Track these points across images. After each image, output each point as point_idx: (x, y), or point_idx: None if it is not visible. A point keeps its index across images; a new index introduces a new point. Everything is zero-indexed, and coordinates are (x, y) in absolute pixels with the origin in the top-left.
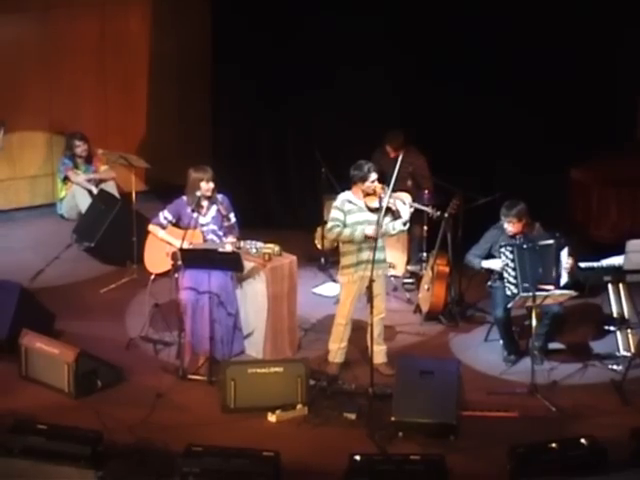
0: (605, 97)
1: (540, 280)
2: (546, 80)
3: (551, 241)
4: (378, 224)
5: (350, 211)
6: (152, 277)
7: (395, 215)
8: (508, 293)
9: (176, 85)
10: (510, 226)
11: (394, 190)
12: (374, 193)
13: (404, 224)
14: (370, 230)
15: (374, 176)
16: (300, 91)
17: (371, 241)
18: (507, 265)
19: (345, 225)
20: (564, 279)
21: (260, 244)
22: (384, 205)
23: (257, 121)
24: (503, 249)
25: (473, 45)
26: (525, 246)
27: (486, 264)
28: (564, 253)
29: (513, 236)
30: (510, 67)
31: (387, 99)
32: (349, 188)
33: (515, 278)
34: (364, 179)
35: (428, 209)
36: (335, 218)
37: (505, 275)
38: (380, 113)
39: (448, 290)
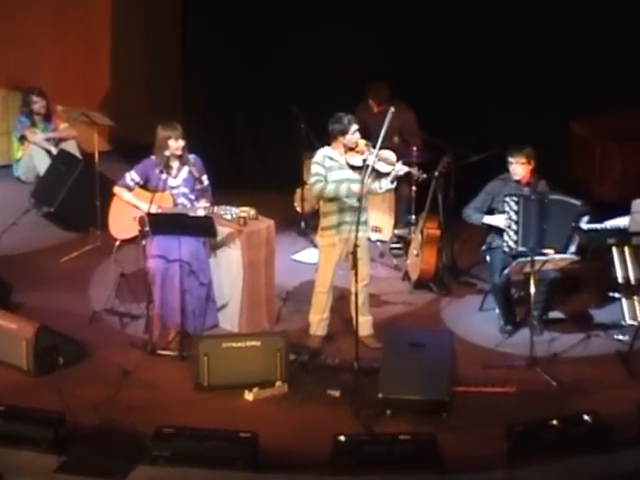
0: (609, 42)
1: (543, 240)
2: (544, 24)
3: (576, 202)
4: (363, 183)
5: (331, 168)
6: (117, 244)
7: (380, 174)
8: (506, 249)
9: (143, 35)
10: (518, 167)
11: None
12: (356, 148)
13: (392, 182)
14: (356, 187)
15: (355, 127)
16: (276, 41)
17: (355, 200)
18: (510, 218)
19: (327, 181)
20: (572, 249)
21: (235, 209)
22: (370, 164)
23: (230, 75)
24: (508, 198)
25: None
26: (533, 197)
27: (488, 219)
28: (585, 221)
29: (519, 184)
30: (506, 11)
31: (372, 48)
32: (329, 144)
33: (516, 233)
34: (344, 132)
35: (413, 170)
36: (317, 173)
37: (506, 229)
38: (364, 63)
39: (439, 255)
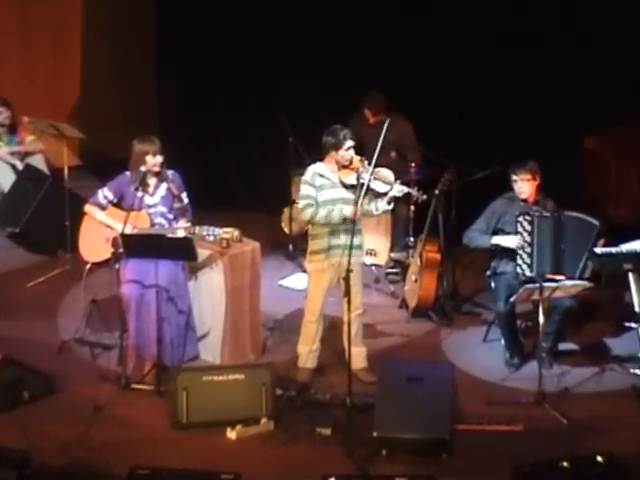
0: (627, 53)
1: (561, 263)
2: (557, 35)
3: (595, 221)
4: (357, 204)
5: (322, 186)
6: (88, 268)
7: (376, 194)
8: (519, 273)
9: (116, 41)
10: (524, 185)
11: (375, 165)
12: (350, 165)
13: (389, 203)
14: (349, 211)
15: (350, 143)
16: (261, 47)
17: (348, 223)
18: (523, 240)
19: (317, 203)
20: (587, 273)
21: (217, 230)
22: (365, 183)
23: (211, 84)
24: (521, 218)
25: None
26: (548, 215)
27: (498, 240)
28: (601, 249)
29: (526, 202)
30: (514, 15)
31: (367, 54)
32: (321, 160)
33: (530, 256)
34: (338, 146)
35: (413, 191)
36: (307, 195)
37: (519, 252)
38: (358, 72)
39: (439, 281)
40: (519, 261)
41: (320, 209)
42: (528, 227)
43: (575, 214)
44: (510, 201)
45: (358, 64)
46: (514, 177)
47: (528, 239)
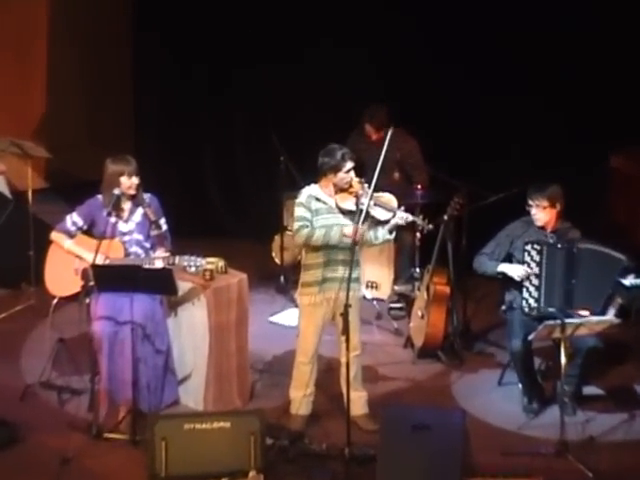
0: None
1: (572, 299)
2: (584, 47)
3: (620, 256)
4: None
5: (318, 211)
6: (55, 302)
7: (376, 221)
8: (525, 308)
9: (86, 51)
10: (539, 213)
11: (376, 188)
12: (349, 189)
13: (390, 232)
14: (350, 230)
15: (350, 165)
16: (249, 59)
17: (346, 253)
18: (530, 270)
19: (313, 227)
20: (611, 310)
21: (200, 260)
22: (363, 209)
23: (195, 98)
24: (528, 246)
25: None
26: (560, 245)
27: (504, 268)
28: (631, 281)
29: (544, 229)
30: (537, 26)
31: (366, 67)
32: (316, 182)
33: (537, 289)
34: (337, 168)
35: (418, 220)
36: (302, 217)
37: (525, 283)
38: (357, 86)
39: (449, 317)
40: (525, 294)
41: (317, 230)
42: (537, 257)
43: (592, 246)
44: (525, 225)
45: (358, 76)
46: (530, 202)
47: (535, 270)
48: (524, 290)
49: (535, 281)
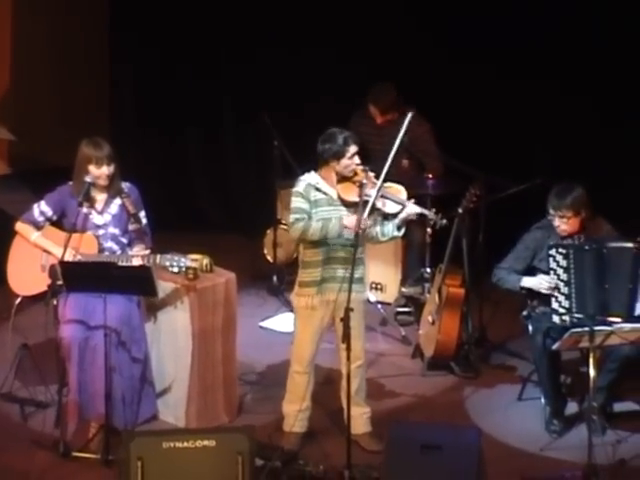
0: None
1: (607, 305)
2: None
3: (629, 244)
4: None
5: (317, 202)
6: (18, 302)
7: (383, 215)
8: (556, 320)
9: (55, 21)
10: (563, 223)
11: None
12: (353, 178)
13: (399, 228)
14: (350, 221)
15: (354, 149)
16: (243, 29)
17: (348, 245)
18: (558, 278)
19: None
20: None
21: (183, 258)
22: (370, 201)
23: (178, 74)
24: (553, 251)
25: None
26: (587, 247)
27: (528, 282)
28: None
29: (568, 237)
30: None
31: (374, 42)
32: (315, 169)
33: (568, 298)
34: (339, 155)
35: (430, 213)
36: (299, 209)
37: (554, 293)
38: (361, 62)
39: (463, 323)
40: (554, 304)
41: (315, 222)
42: (563, 262)
43: (621, 244)
44: (546, 232)
45: (363, 50)
46: (551, 211)
47: (564, 277)
48: (553, 300)
49: (564, 289)
